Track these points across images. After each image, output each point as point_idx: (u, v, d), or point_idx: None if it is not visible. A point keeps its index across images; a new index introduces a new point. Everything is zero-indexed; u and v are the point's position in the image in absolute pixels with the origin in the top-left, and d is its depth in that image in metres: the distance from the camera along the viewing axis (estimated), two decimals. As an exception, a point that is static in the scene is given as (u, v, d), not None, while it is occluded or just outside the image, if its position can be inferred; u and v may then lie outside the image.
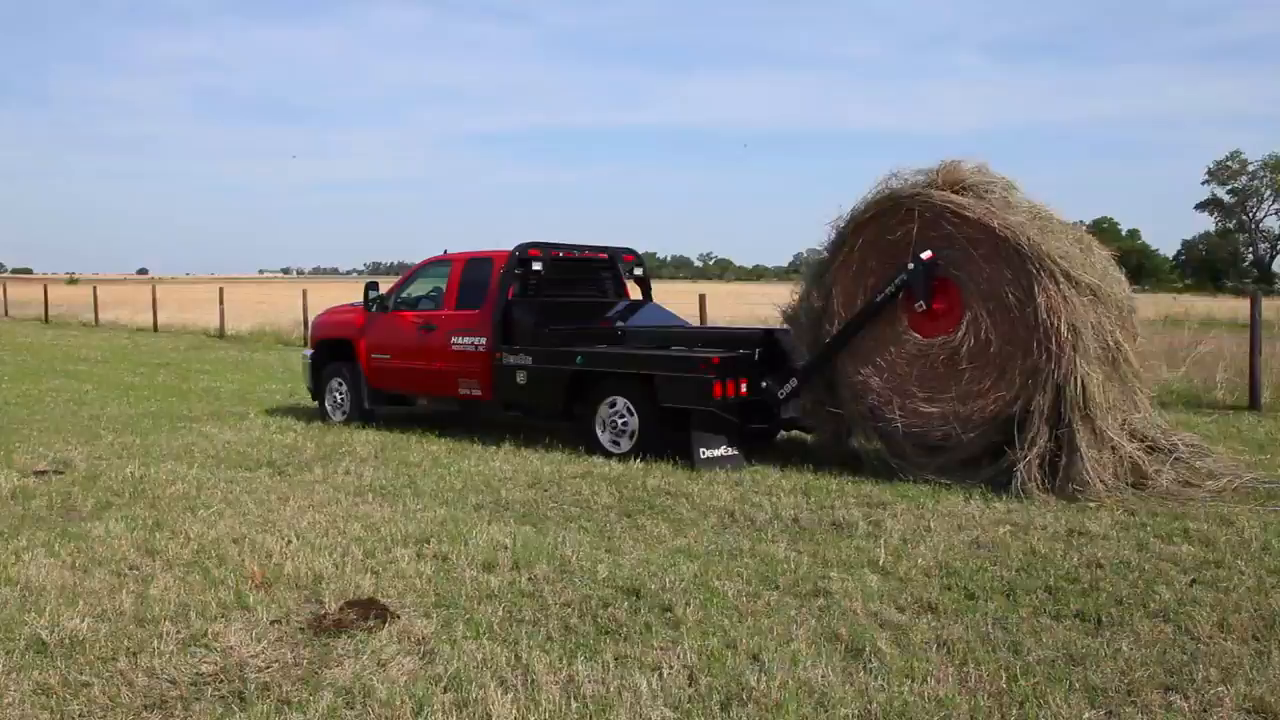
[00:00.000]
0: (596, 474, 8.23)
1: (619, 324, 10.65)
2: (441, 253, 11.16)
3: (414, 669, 4.16)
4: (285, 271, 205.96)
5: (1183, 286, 77.99)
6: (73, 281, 74.63)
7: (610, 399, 9.13)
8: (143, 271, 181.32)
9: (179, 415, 12.05)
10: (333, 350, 11.57)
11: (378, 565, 5.60)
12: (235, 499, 7.35)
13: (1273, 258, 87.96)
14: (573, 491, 7.65)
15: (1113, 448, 7.33)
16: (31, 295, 42.69)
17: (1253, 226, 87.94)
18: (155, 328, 30.25)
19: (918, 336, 7.90)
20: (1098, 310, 7.43)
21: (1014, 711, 3.76)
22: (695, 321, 14.50)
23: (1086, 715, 3.73)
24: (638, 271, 11.34)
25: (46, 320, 35.32)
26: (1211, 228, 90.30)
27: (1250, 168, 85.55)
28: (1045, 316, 7.19)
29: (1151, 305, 39.51)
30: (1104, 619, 4.70)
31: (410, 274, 11.38)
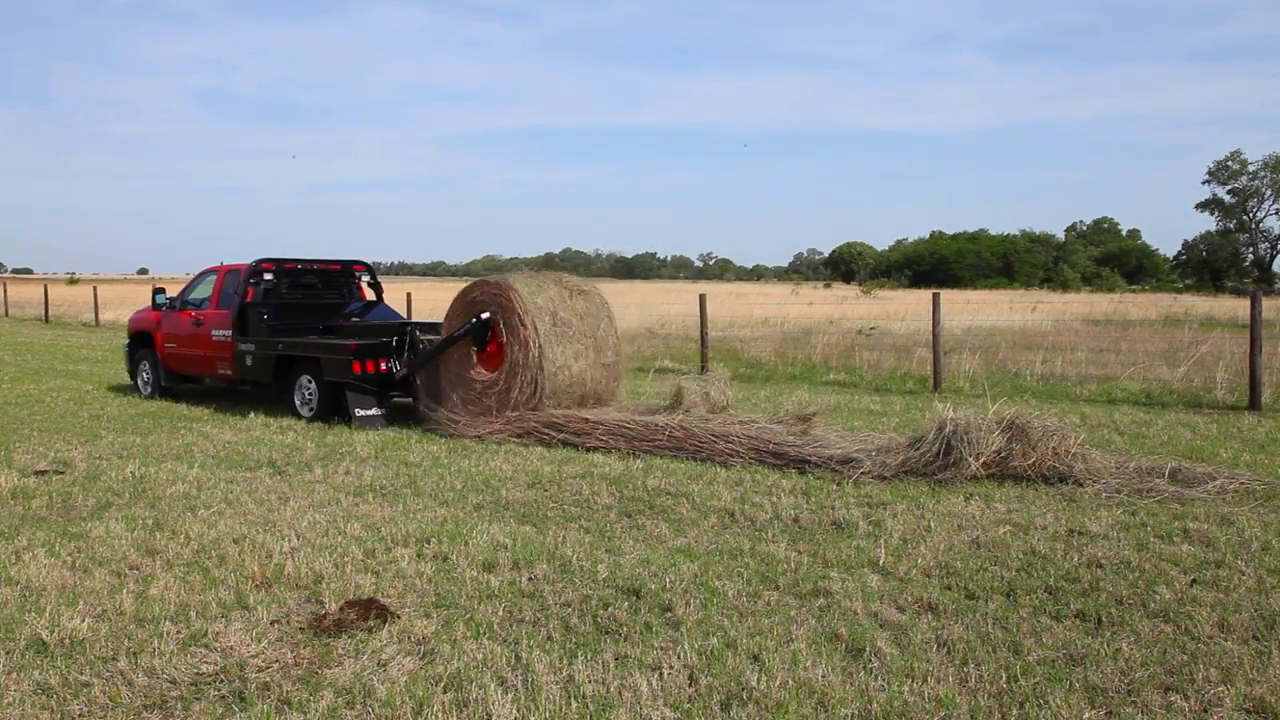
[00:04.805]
0: (596, 474, 8.23)
1: (354, 319, 13.41)
2: (219, 264, 13.83)
3: (414, 669, 4.16)
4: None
5: (1183, 286, 78.06)
6: (73, 281, 74.59)
7: (300, 375, 11.91)
8: (143, 271, 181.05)
9: (179, 415, 12.07)
10: (141, 340, 14.52)
11: (378, 565, 5.60)
12: (235, 499, 7.35)
13: (1273, 258, 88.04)
14: (573, 491, 7.65)
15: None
16: (32, 295, 42.78)
17: (1253, 226, 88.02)
18: (155, 328, 30.22)
19: (488, 372, 10.80)
20: (556, 314, 10.72)
21: (1014, 711, 3.76)
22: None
23: (1086, 715, 3.73)
24: (367, 279, 14.12)
25: (47, 320, 35.36)
26: (1212, 228, 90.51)
27: (1250, 168, 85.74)
28: (515, 329, 10.52)
29: (1152, 305, 39.73)
30: (1104, 619, 4.70)
31: (192, 281, 14.13)
